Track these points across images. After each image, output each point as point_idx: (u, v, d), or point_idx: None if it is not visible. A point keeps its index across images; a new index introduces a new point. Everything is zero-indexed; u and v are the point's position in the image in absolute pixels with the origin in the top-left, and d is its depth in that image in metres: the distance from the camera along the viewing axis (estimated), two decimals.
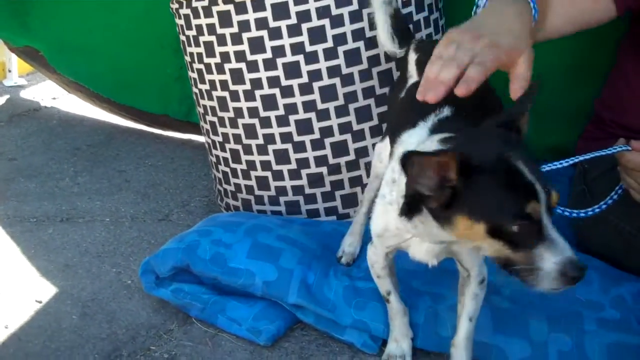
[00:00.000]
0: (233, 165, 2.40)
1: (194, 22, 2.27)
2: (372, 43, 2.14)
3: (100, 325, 1.89)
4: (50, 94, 4.08)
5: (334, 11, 2.11)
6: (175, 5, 2.35)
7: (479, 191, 1.13)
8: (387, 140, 1.74)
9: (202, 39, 2.27)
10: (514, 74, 1.38)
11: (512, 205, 1.12)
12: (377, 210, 1.47)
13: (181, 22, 2.36)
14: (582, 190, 2.04)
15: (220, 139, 2.40)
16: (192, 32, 2.31)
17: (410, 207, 1.24)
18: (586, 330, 1.73)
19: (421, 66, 1.64)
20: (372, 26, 2.06)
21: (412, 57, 1.74)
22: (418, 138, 1.35)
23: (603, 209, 1.64)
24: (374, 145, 2.08)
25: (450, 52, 1.29)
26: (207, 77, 2.32)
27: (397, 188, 1.32)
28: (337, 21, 2.12)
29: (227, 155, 2.40)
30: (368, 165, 2.12)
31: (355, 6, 2.11)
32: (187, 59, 2.42)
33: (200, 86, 2.39)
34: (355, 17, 2.12)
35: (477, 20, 1.44)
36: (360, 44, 2.15)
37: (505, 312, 1.78)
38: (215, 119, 2.38)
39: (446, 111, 1.38)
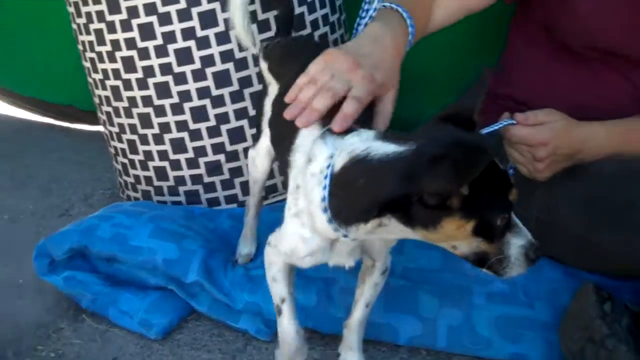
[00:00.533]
0: (131, 157, 2.34)
1: (83, 9, 2.21)
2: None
3: None
4: None
5: None
6: None
7: (470, 191, 1.08)
8: (260, 145, 1.74)
9: (92, 26, 2.21)
10: (379, 110, 1.36)
11: (501, 200, 1.12)
12: (286, 224, 1.36)
13: (71, 9, 2.29)
14: None
15: (116, 129, 2.34)
16: (82, 20, 2.24)
17: (366, 211, 1.15)
18: (475, 304, 1.76)
19: (276, 75, 1.66)
20: None
21: (264, 65, 1.72)
22: (311, 136, 1.28)
23: None
24: None
25: (326, 79, 1.26)
26: (100, 66, 2.26)
27: (302, 196, 1.26)
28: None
29: (125, 146, 2.34)
30: None
31: None
32: (80, 47, 2.35)
33: (94, 75, 2.33)
34: None
35: (358, 45, 1.39)
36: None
37: (398, 290, 1.79)
38: (110, 109, 2.32)
39: None
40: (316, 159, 1.21)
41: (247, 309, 1.81)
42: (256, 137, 1.78)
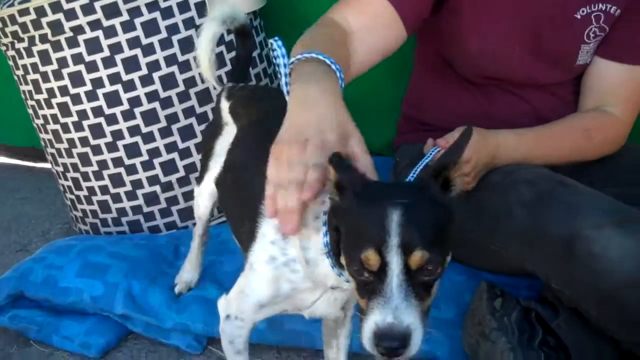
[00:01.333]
0: (77, 193, 2.54)
1: (20, 62, 2.41)
2: (186, 66, 2.31)
3: None
4: None
5: (144, 41, 2.27)
6: (3, 48, 2.47)
7: (345, 225, 1.10)
8: (203, 185, 1.80)
9: (29, 77, 2.41)
10: (358, 163, 1.27)
11: (355, 248, 1.04)
12: (262, 278, 1.30)
13: (11, 62, 2.49)
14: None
15: (61, 168, 2.54)
16: (20, 72, 2.44)
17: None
18: None
19: (236, 116, 1.70)
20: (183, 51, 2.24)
21: (225, 105, 1.75)
22: None
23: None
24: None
25: (284, 176, 1.20)
26: (40, 112, 2.46)
27: (292, 245, 1.25)
28: (148, 50, 2.28)
29: (70, 183, 2.54)
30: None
31: (164, 34, 2.28)
32: (22, 96, 2.55)
33: (36, 121, 2.53)
34: (165, 44, 2.29)
35: (293, 122, 1.26)
36: (174, 68, 2.32)
37: None
38: (54, 150, 2.52)
39: None
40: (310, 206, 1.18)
41: (176, 329, 1.98)
42: (200, 177, 1.83)
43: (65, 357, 1.99)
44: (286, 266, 1.27)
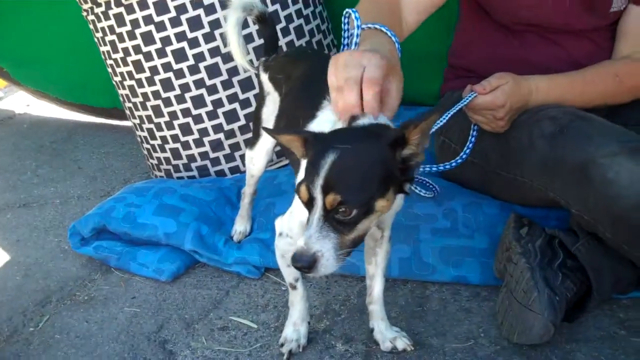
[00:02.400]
0: (152, 142, 2.82)
1: (98, 25, 2.69)
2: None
3: (37, 282, 2.33)
4: (24, 102, 4.54)
5: (206, 1, 2.50)
6: (84, 14, 2.76)
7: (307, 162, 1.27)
8: (258, 147, 2.05)
9: (107, 38, 2.69)
10: (385, 103, 1.35)
11: (299, 181, 1.27)
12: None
13: (91, 26, 2.78)
14: (443, 142, 2.32)
15: (137, 121, 2.82)
16: (99, 34, 2.72)
17: None
18: (421, 239, 2.10)
19: (275, 83, 1.90)
20: None
21: (264, 76, 1.94)
22: (328, 120, 1.43)
23: (467, 154, 1.93)
24: None
25: (342, 76, 1.31)
26: (117, 70, 2.74)
27: None
28: (210, 10, 2.51)
29: (146, 134, 2.82)
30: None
31: None
32: (102, 56, 2.84)
33: (115, 79, 2.82)
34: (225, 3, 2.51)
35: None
36: None
37: None
38: (130, 105, 2.80)
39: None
40: None
41: (236, 262, 2.22)
42: (253, 141, 2.06)
43: (141, 281, 2.27)
44: None
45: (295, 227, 1.57)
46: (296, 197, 1.49)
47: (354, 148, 1.22)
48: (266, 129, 1.50)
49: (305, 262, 1.21)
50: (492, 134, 1.98)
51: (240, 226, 2.33)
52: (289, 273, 1.71)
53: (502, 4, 2.05)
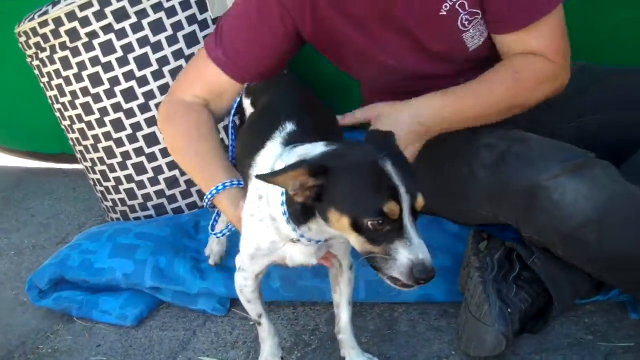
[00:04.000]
0: (105, 184, 2.77)
1: (44, 70, 2.65)
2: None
3: None
4: None
5: (153, 39, 2.49)
6: (28, 59, 2.72)
7: (343, 188, 1.23)
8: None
9: (53, 83, 2.65)
10: None
11: (370, 204, 1.20)
12: (247, 230, 1.52)
13: (36, 72, 2.73)
14: None
15: (90, 164, 2.78)
16: (46, 79, 2.68)
17: (303, 213, 1.33)
18: None
19: (255, 106, 1.83)
20: None
21: (247, 102, 1.86)
22: (274, 153, 1.44)
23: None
24: None
25: None
26: (66, 114, 2.70)
27: (266, 204, 1.43)
28: (157, 47, 2.50)
29: (99, 176, 2.77)
30: None
31: (170, 32, 2.50)
32: (49, 101, 2.80)
33: (64, 123, 2.77)
34: (172, 41, 2.51)
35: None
36: (182, 62, 2.53)
37: None
38: (82, 148, 2.75)
39: (289, 126, 1.49)
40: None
41: (201, 293, 2.20)
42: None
43: (105, 328, 2.22)
44: (261, 221, 1.46)
45: (246, 261, 1.57)
46: (245, 227, 1.51)
47: (389, 153, 1.24)
48: (259, 176, 1.31)
49: (434, 273, 1.22)
50: (425, 172, 1.83)
51: (217, 246, 2.22)
52: (251, 309, 1.69)
53: (370, 82, 2.08)
